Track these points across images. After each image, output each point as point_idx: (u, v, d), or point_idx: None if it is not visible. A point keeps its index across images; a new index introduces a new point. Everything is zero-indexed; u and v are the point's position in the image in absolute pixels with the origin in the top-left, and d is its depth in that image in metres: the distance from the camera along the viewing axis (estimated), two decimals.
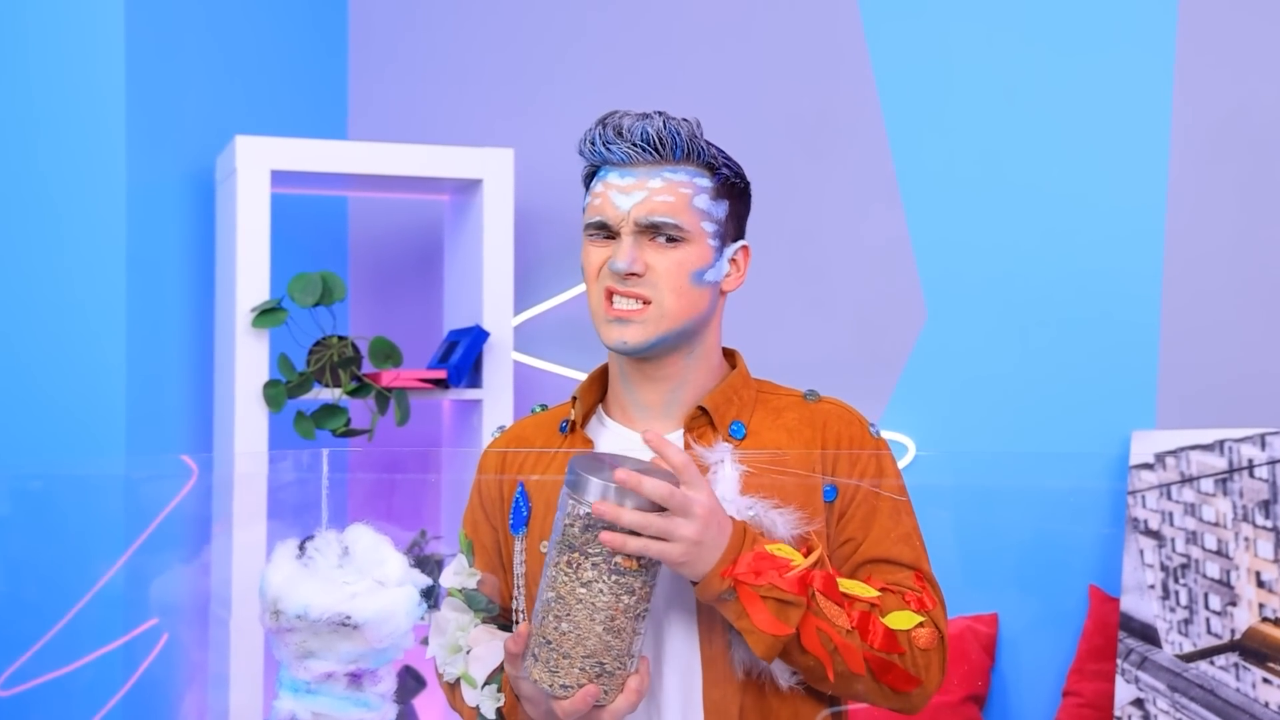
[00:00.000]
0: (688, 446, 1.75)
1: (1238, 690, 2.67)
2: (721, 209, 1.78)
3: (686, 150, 1.76)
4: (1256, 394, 2.89)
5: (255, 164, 2.98)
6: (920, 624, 1.67)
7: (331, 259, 3.47)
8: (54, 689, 2.81)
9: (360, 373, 3.00)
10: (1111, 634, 2.86)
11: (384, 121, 3.54)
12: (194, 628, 2.90)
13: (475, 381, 3.13)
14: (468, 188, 3.21)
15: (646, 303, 1.74)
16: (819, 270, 3.21)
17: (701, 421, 1.79)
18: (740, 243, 1.83)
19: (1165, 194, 2.96)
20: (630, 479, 1.54)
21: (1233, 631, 2.70)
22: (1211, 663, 2.72)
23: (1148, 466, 2.87)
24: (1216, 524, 2.76)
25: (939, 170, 3.12)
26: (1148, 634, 2.80)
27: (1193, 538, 2.78)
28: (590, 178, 1.82)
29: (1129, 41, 3.00)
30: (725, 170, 1.79)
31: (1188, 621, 2.76)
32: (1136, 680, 2.79)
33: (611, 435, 1.83)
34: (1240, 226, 2.93)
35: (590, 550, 1.56)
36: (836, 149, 3.21)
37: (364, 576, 1.42)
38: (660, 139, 1.75)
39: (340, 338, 3.00)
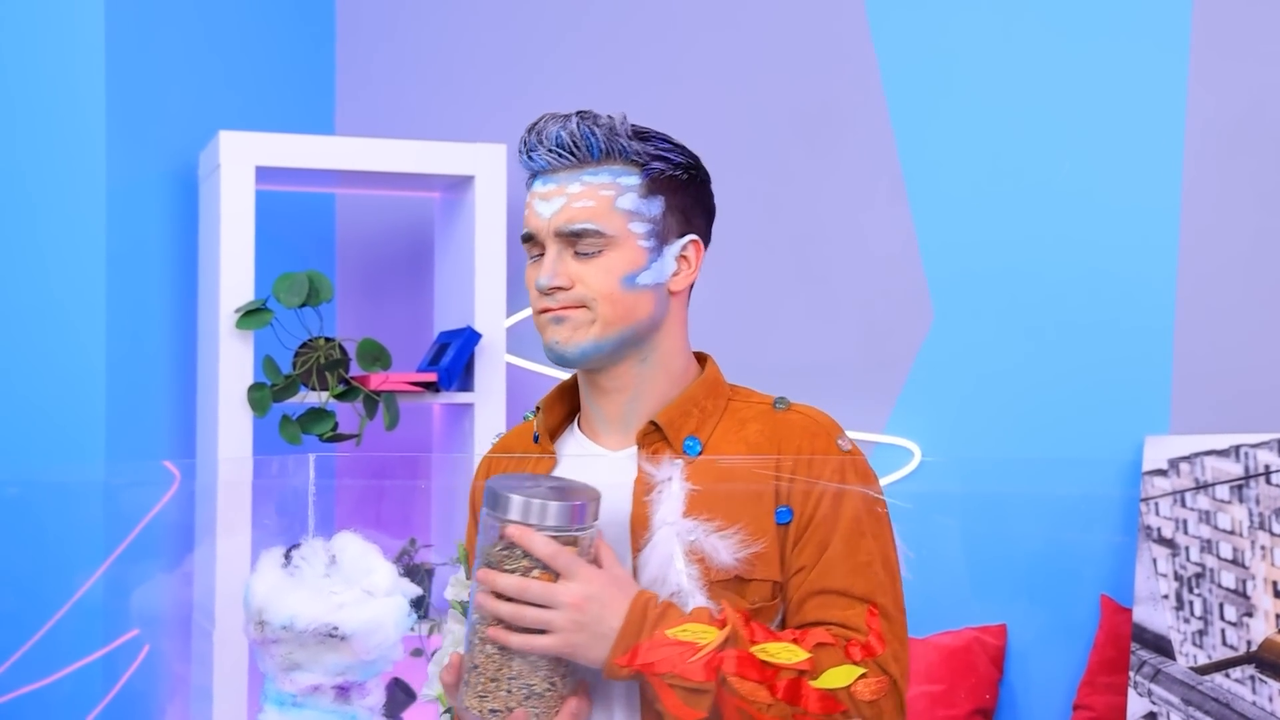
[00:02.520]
0: (648, 461, 1.72)
1: (1254, 704, 2.67)
2: (655, 205, 1.73)
3: (605, 149, 1.72)
4: (1273, 398, 2.89)
5: (239, 160, 2.98)
6: (862, 675, 1.61)
7: (318, 258, 3.47)
8: (32, 701, 2.81)
9: (348, 375, 3.00)
10: (1124, 645, 2.87)
11: (372, 116, 3.54)
12: (176, 639, 2.90)
13: (466, 385, 3.13)
14: (459, 185, 3.21)
15: (575, 306, 1.72)
16: (823, 271, 3.21)
17: (655, 437, 1.74)
18: (688, 237, 1.77)
19: (1180, 192, 2.97)
20: (520, 537, 1.52)
21: (1249, 643, 2.71)
22: (1227, 675, 2.72)
23: (1161, 472, 2.87)
24: (1232, 532, 2.76)
25: (946, 168, 3.13)
26: (1161, 645, 2.80)
27: (1207, 546, 2.79)
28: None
29: (1142, 36, 3.00)
30: (658, 164, 1.73)
31: (1202, 633, 2.77)
32: (1149, 693, 2.79)
33: (576, 449, 1.81)
34: (1257, 226, 2.93)
35: (508, 568, 1.55)
36: (841, 146, 3.21)
37: (351, 586, 1.42)
38: (574, 142, 1.72)
39: (327, 339, 3.00)
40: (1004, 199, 3.08)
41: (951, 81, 3.13)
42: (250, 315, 2.94)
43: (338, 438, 3.00)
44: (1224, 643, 2.74)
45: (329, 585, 1.42)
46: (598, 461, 1.77)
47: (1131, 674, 2.82)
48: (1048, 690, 3.02)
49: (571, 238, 1.71)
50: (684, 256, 1.77)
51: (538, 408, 1.86)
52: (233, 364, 2.96)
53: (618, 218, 1.71)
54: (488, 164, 3.13)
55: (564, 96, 3.42)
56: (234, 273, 2.97)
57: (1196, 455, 2.84)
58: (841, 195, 3.21)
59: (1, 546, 2.86)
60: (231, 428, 2.95)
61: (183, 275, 3.21)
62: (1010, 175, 3.08)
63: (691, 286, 1.81)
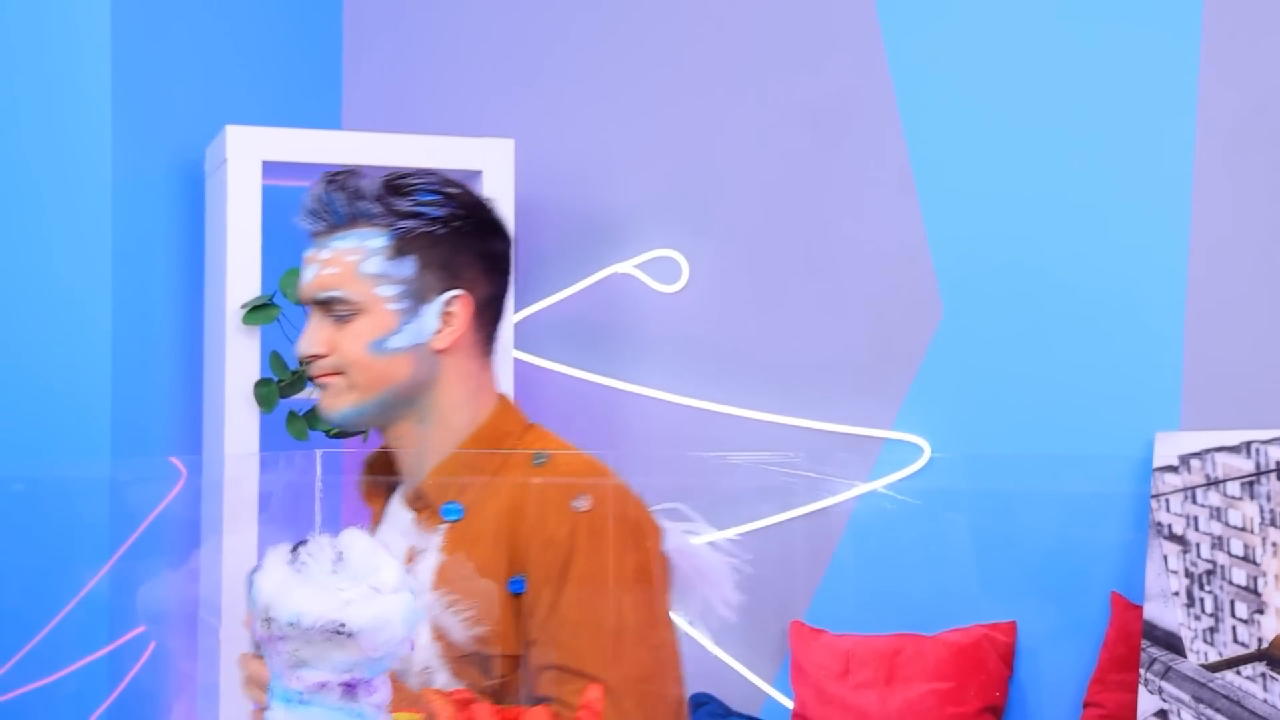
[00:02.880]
0: (420, 521, 1.70)
1: (1265, 701, 2.67)
2: (406, 267, 1.68)
3: (349, 214, 1.69)
4: None
5: (246, 154, 2.98)
6: None
7: None
8: (37, 699, 2.82)
9: None
10: (1134, 643, 2.87)
11: (379, 110, 3.54)
12: (182, 636, 2.90)
13: None
14: (466, 179, 3.20)
15: (335, 374, 1.70)
16: (831, 266, 3.21)
17: (424, 501, 1.72)
18: (451, 293, 1.71)
19: (1190, 186, 2.96)
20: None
21: (1260, 640, 2.71)
22: (1238, 673, 2.72)
23: (1172, 469, 2.87)
24: (1243, 528, 2.76)
25: (955, 162, 3.12)
26: (1172, 643, 2.80)
27: (1218, 543, 2.78)
28: None
29: (1153, 32, 2.99)
30: (407, 223, 1.68)
31: (1213, 630, 2.77)
32: (1160, 691, 2.79)
33: (395, 504, 1.80)
34: (1268, 221, 2.93)
35: None
36: (849, 141, 3.21)
37: (358, 583, 1.42)
38: (320, 207, 1.71)
39: None
40: (1013, 194, 3.08)
41: (961, 76, 3.13)
42: (257, 310, 2.94)
43: (345, 434, 3.00)
44: (1235, 640, 2.74)
45: (336, 582, 1.42)
46: (393, 525, 1.75)
47: (1142, 671, 2.81)
48: (1058, 688, 3.02)
49: (325, 305, 1.69)
50: (449, 313, 1.71)
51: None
52: (239, 359, 2.96)
53: (362, 283, 1.68)
54: (495, 159, 3.13)
55: (571, 90, 3.43)
56: (240, 268, 2.97)
57: (1207, 451, 2.83)
58: (850, 190, 3.21)
59: (7, 543, 2.86)
60: (238, 423, 2.95)
61: (189, 270, 3.21)
62: (1020, 170, 3.08)
63: (491, 338, 1.76)
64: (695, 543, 1.78)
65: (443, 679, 1.60)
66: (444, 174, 1.79)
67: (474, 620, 1.61)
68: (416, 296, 1.70)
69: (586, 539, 1.63)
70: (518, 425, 1.78)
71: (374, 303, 1.68)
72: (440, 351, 1.72)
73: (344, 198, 1.69)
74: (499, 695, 1.60)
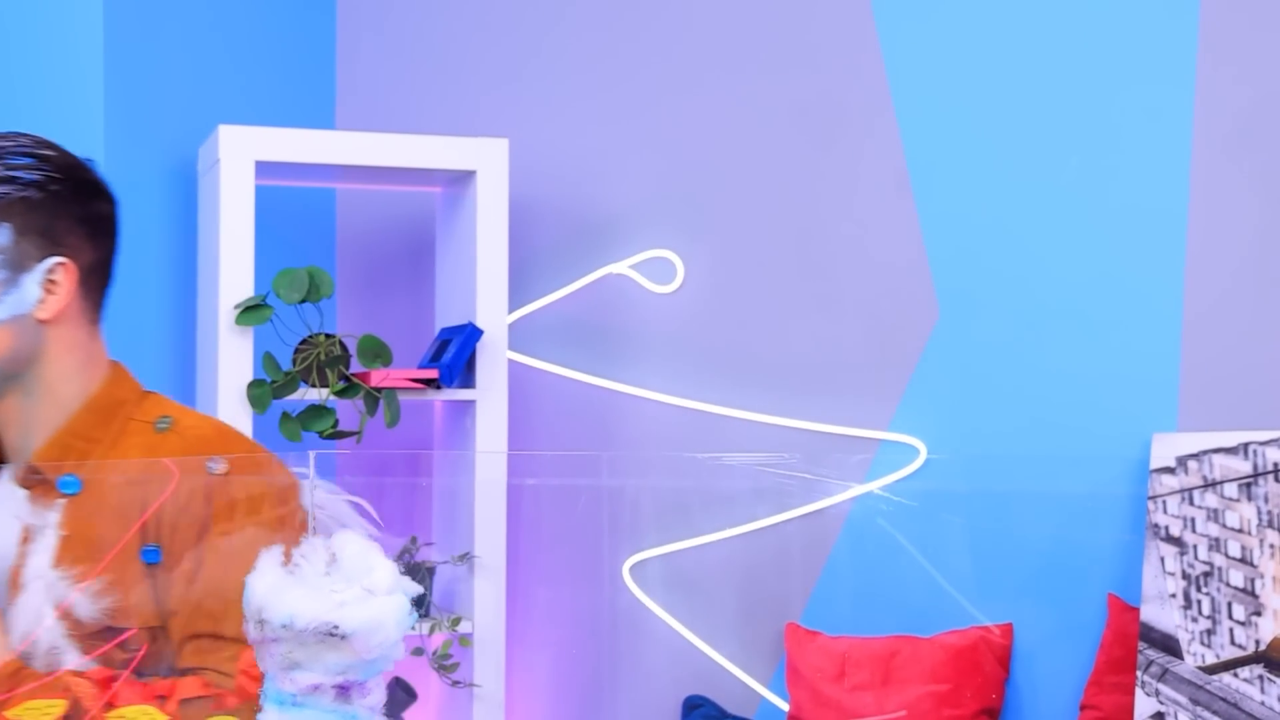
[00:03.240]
0: (34, 500, 1.64)
1: (1262, 704, 2.67)
2: (1, 235, 1.62)
3: None
4: None
5: (239, 154, 2.98)
6: None
7: (318, 253, 3.47)
8: None
9: (348, 372, 3.00)
10: (1131, 645, 2.87)
11: (373, 110, 3.54)
12: None
13: (468, 382, 3.13)
14: (461, 179, 3.21)
15: None
16: (827, 267, 3.21)
17: (38, 478, 1.67)
18: (51, 260, 1.65)
19: (1188, 185, 2.96)
20: None
21: (1257, 642, 2.71)
22: (1235, 675, 2.72)
23: (1169, 470, 2.87)
24: (1240, 530, 2.76)
25: (952, 163, 3.12)
26: (1169, 645, 2.80)
27: (1216, 544, 2.78)
28: None
29: (1150, 30, 2.99)
30: (10, 189, 1.62)
31: (1210, 632, 2.77)
32: (1157, 693, 2.79)
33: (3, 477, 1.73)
34: (1266, 221, 2.93)
35: None
36: (845, 140, 3.21)
37: (352, 584, 1.42)
38: None
39: (327, 336, 3.00)
40: (1010, 194, 3.08)
41: (957, 76, 3.13)
42: (250, 311, 2.94)
43: (338, 435, 3.00)
44: (1232, 642, 2.74)
45: (329, 583, 1.42)
46: (4, 505, 1.68)
47: (1139, 673, 2.81)
48: (1054, 690, 3.02)
49: None
50: (51, 281, 1.66)
51: None
52: (232, 360, 2.95)
53: None
54: (489, 158, 3.12)
55: (566, 90, 3.43)
56: (233, 268, 2.97)
57: (1205, 453, 2.83)
58: (846, 190, 3.21)
59: None
60: (231, 424, 2.94)
61: (182, 271, 3.21)
62: (1016, 170, 3.08)
63: (99, 305, 1.72)
64: (329, 496, 1.72)
65: (72, 658, 1.56)
66: (37, 135, 1.72)
67: (102, 595, 1.57)
68: (14, 266, 1.63)
69: (224, 503, 1.61)
70: (133, 393, 1.76)
71: None
72: (44, 322, 1.67)
73: None
74: (138, 671, 1.56)
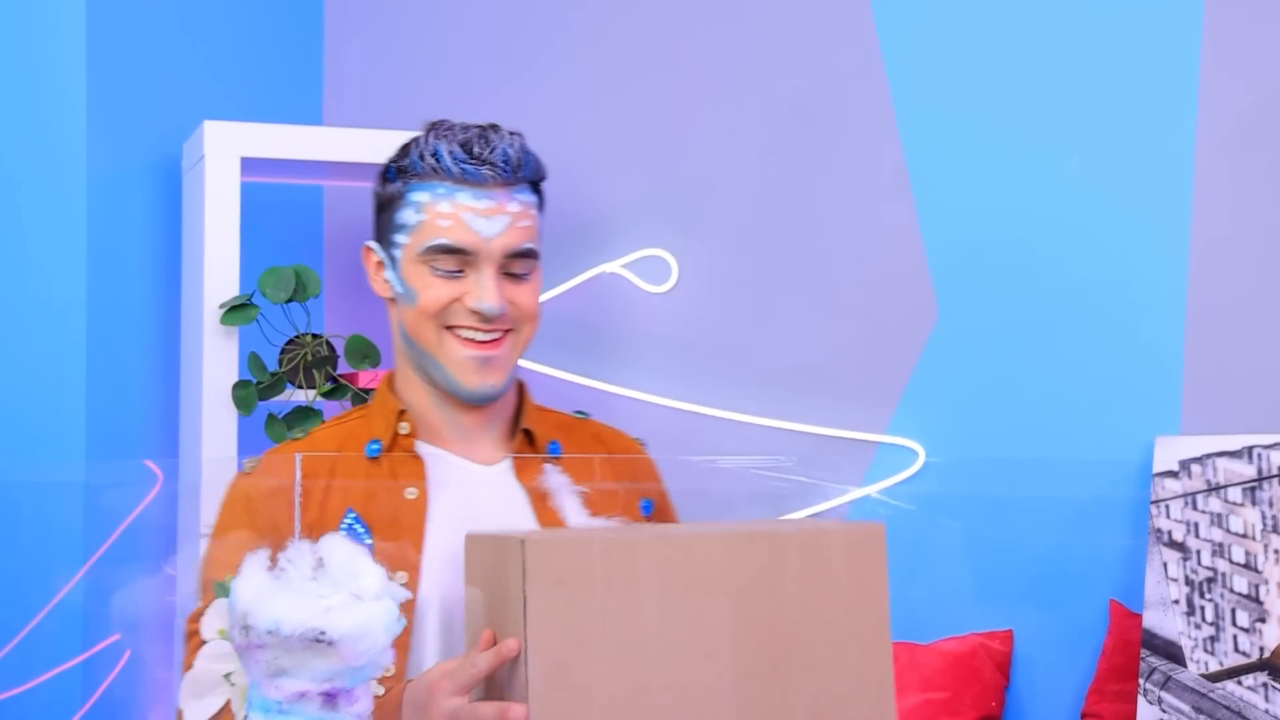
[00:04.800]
0: (523, 472, 1.75)
1: (1267, 712, 2.67)
2: (541, 224, 1.81)
3: (533, 170, 1.77)
4: None
5: (224, 150, 2.98)
6: None
7: (305, 252, 3.46)
8: (9, 709, 2.81)
9: (336, 373, 3.00)
10: (1133, 652, 2.87)
11: (362, 105, 3.53)
12: (158, 644, 2.89)
13: None
14: None
15: (504, 331, 1.74)
16: (824, 267, 3.21)
17: (524, 444, 1.81)
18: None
19: (1191, 185, 2.97)
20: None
21: (1262, 650, 2.71)
22: (1239, 683, 2.72)
23: (1172, 474, 2.87)
24: (1245, 535, 2.76)
25: (951, 160, 3.12)
26: (1171, 652, 2.80)
27: (1219, 550, 2.79)
28: (401, 193, 1.79)
29: (1153, 25, 3.00)
30: (541, 187, 1.81)
31: (1214, 639, 2.77)
32: (1159, 701, 2.79)
33: (441, 463, 1.80)
34: (1271, 221, 2.93)
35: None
36: (843, 139, 3.21)
37: (339, 590, 1.42)
38: (518, 159, 1.75)
39: (314, 336, 3.00)
40: (1011, 193, 3.08)
41: (956, 73, 3.13)
42: (235, 311, 2.93)
43: None
44: (1236, 649, 2.74)
45: (316, 589, 1.42)
46: (478, 479, 1.79)
47: (1141, 681, 2.81)
48: (1055, 698, 3.02)
49: (510, 259, 1.73)
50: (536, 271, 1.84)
51: (401, 411, 1.84)
52: (217, 361, 2.95)
53: (538, 240, 1.78)
54: None
55: (558, 87, 3.42)
56: (218, 267, 2.96)
57: (1208, 456, 2.84)
58: (843, 189, 3.21)
59: None
60: (215, 426, 2.94)
61: (165, 269, 3.20)
62: (1017, 170, 3.08)
63: None
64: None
65: None
66: None
67: None
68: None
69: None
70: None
71: (538, 260, 1.79)
72: None
73: (532, 155, 1.76)
74: None
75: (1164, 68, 2.99)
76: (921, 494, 3.07)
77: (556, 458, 1.78)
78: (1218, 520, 2.79)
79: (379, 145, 3.07)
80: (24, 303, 3.01)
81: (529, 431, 1.79)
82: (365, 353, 3.04)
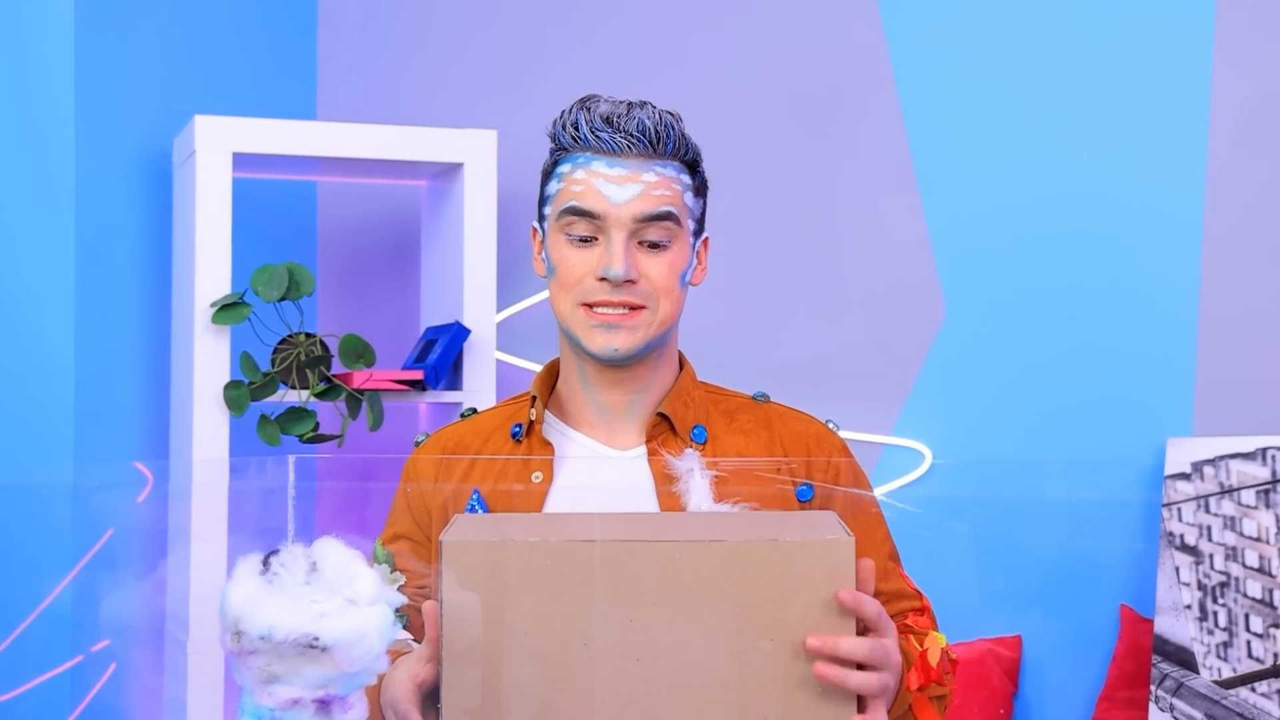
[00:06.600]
0: (654, 454, 1.79)
1: None
2: (700, 206, 1.83)
3: (678, 146, 1.78)
4: None
5: (216, 146, 2.97)
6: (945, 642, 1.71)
7: (298, 249, 3.46)
8: None
9: (330, 373, 2.99)
10: (1144, 658, 2.86)
11: (356, 100, 3.53)
12: (148, 650, 2.89)
13: (454, 383, 3.12)
14: (447, 172, 3.20)
15: (634, 308, 1.76)
16: (830, 264, 3.21)
17: (663, 428, 1.81)
18: (702, 236, 1.87)
19: (1203, 184, 2.96)
20: (852, 601, 1.44)
21: (1275, 655, 2.71)
22: (1253, 689, 2.72)
23: (1184, 477, 2.87)
24: (1258, 539, 2.76)
25: (959, 159, 3.12)
26: (1183, 658, 2.80)
27: (1232, 554, 2.78)
28: (550, 168, 1.86)
29: (1164, 22, 2.99)
30: (702, 166, 1.83)
31: (1227, 644, 2.76)
32: (1171, 708, 2.79)
33: (574, 447, 1.84)
34: None
35: None
36: (850, 137, 3.21)
37: (333, 594, 1.41)
38: (658, 131, 1.77)
39: (308, 335, 2.99)
40: (1020, 191, 3.08)
41: (964, 69, 3.13)
42: (227, 310, 2.93)
43: (319, 438, 2.99)
44: (1250, 655, 2.74)
45: (309, 593, 1.41)
46: (604, 464, 1.82)
47: (1152, 688, 2.81)
48: (1064, 704, 3.02)
49: (642, 226, 1.75)
50: (699, 253, 1.86)
51: (533, 395, 1.89)
52: (208, 361, 2.95)
53: (684, 214, 1.78)
54: (477, 151, 3.12)
55: (556, 80, 3.42)
56: (210, 265, 2.96)
57: (1221, 458, 2.83)
58: (850, 187, 3.21)
59: None
60: (207, 428, 2.94)
61: (156, 267, 3.20)
62: (1026, 167, 3.08)
63: None
64: None
65: None
66: None
67: None
68: (696, 236, 1.83)
69: (858, 464, 1.90)
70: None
71: (684, 236, 1.79)
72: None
73: (676, 129, 1.78)
74: None
75: (1176, 66, 2.99)
76: (928, 496, 3.07)
77: (700, 444, 1.80)
78: (1231, 524, 2.79)
79: (374, 140, 3.09)
80: (11, 301, 3.01)
81: (665, 415, 1.79)
82: (360, 352, 3.03)
